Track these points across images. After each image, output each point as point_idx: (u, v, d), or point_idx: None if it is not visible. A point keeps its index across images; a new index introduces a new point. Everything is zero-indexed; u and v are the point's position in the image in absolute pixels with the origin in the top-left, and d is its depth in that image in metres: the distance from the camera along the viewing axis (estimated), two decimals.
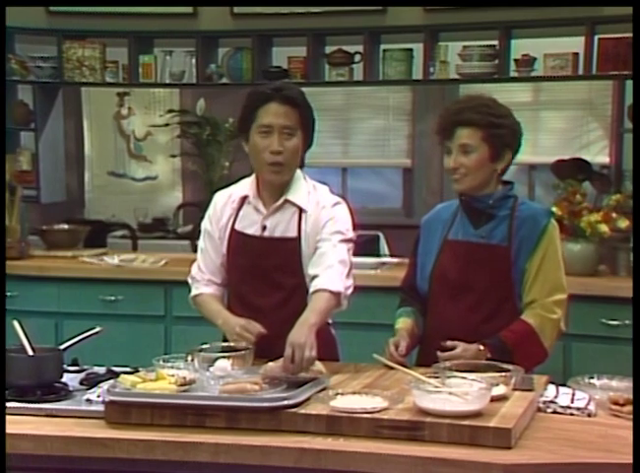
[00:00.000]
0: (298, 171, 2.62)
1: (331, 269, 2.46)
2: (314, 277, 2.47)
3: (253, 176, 2.64)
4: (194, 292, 2.68)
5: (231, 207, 2.64)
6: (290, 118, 2.52)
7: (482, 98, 2.62)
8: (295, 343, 2.23)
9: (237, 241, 2.61)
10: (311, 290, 2.45)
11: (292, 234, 2.57)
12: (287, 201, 2.58)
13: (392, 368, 2.37)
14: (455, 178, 2.57)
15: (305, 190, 2.60)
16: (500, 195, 2.60)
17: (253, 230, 2.60)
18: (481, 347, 2.45)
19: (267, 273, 2.57)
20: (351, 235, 2.58)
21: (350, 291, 2.51)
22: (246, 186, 2.65)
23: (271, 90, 2.53)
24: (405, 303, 2.72)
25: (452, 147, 2.56)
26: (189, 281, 2.70)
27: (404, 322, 2.65)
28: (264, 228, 2.59)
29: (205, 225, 2.69)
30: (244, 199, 2.63)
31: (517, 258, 2.55)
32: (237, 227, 2.62)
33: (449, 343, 2.47)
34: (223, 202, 2.67)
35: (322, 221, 2.55)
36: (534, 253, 2.55)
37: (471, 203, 2.61)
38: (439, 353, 2.45)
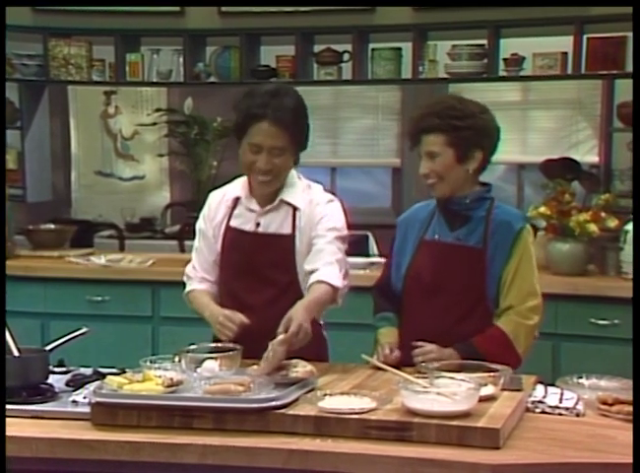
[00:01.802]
0: (292, 171, 2.64)
1: (331, 266, 2.50)
2: (313, 271, 2.50)
3: (245, 177, 2.66)
4: (187, 288, 2.71)
5: (226, 206, 2.67)
6: (281, 139, 2.52)
7: (447, 100, 2.62)
8: (292, 315, 2.29)
9: (232, 238, 2.64)
10: (310, 281, 2.48)
11: (287, 230, 2.60)
12: (282, 201, 2.61)
13: (380, 368, 2.38)
14: (430, 184, 2.59)
15: (300, 189, 2.63)
16: (476, 196, 2.61)
17: (247, 227, 2.63)
18: (449, 350, 2.46)
19: (260, 269, 2.59)
20: (345, 232, 2.61)
21: (345, 290, 2.55)
22: (239, 187, 2.67)
23: (262, 109, 2.50)
24: (381, 307, 2.72)
25: (421, 153, 2.58)
26: (184, 279, 2.73)
27: (388, 333, 2.65)
28: (258, 225, 2.62)
29: (199, 224, 2.72)
30: (237, 199, 2.66)
31: (491, 262, 2.56)
32: (232, 224, 2.65)
33: (419, 344, 2.50)
34: (217, 201, 2.70)
35: (316, 217, 2.58)
36: (509, 259, 2.55)
37: (447, 204, 2.62)
38: (413, 352, 2.48)
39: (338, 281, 2.48)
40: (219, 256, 2.66)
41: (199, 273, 2.68)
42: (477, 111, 2.58)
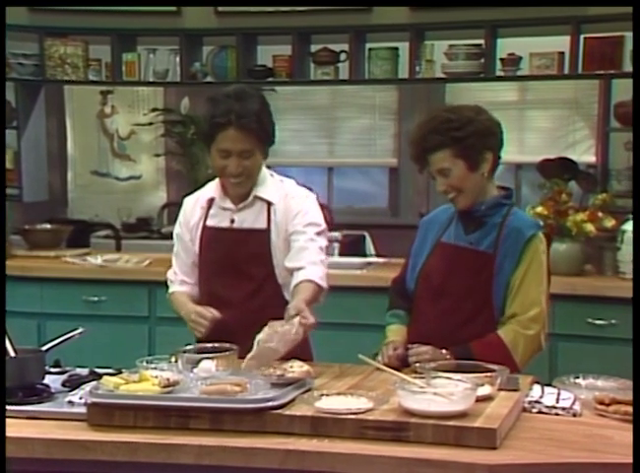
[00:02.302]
0: (264, 168, 2.68)
1: (315, 266, 2.55)
2: (298, 269, 2.54)
3: (218, 180, 2.71)
4: (169, 291, 2.79)
5: (200, 207, 2.72)
6: (249, 143, 2.57)
7: (441, 114, 2.57)
8: (300, 307, 2.35)
9: (209, 236, 2.70)
10: (297, 279, 2.52)
11: (262, 225, 2.65)
12: (256, 197, 2.66)
13: (377, 368, 2.38)
14: (451, 199, 2.59)
15: (272, 185, 2.68)
16: (493, 203, 2.60)
17: (223, 224, 2.68)
18: (444, 351, 2.46)
19: (237, 264, 2.64)
20: (323, 225, 2.65)
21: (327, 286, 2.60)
22: (212, 188, 2.73)
23: (226, 116, 2.53)
24: (394, 304, 2.74)
25: (432, 173, 2.58)
26: (169, 282, 2.80)
27: (397, 330, 2.66)
28: (232, 221, 2.67)
29: (176, 230, 2.79)
30: (212, 200, 2.71)
31: (500, 268, 2.55)
32: (208, 223, 2.71)
33: (414, 345, 2.50)
34: (191, 205, 2.76)
35: (292, 211, 2.63)
36: (517, 267, 2.55)
37: (465, 210, 2.61)
38: (408, 352, 2.50)
39: (323, 282, 2.55)
40: (197, 258, 2.72)
41: (179, 276, 2.75)
42: (472, 115, 2.56)
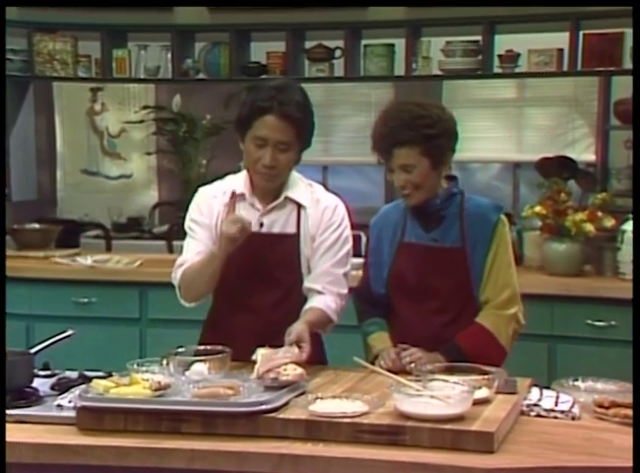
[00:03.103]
0: (293, 171, 2.63)
1: (333, 297, 2.55)
2: (314, 291, 2.54)
3: (245, 173, 2.63)
4: (179, 272, 2.56)
5: (222, 200, 2.58)
6: (287, 134, 2.50)
7: (413, 109, 2.54)
8: (300, 334, 2.35)
9: None
10: (310, 304, 2.52)
11: (292, 230, 2.60)
12: (287, 198, 2.60)
13: (372, 371, 2.38)
14: (405, 194, 2.58)
15: (302, 187, 2.63)
16: (446, 194, 2.61)
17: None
18: (436, 355, 2.47)
19: (265, 270, 2.58)
20: (350, 243, 2.63)
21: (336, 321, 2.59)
22: (238, 183, 2.62)
23: (268, 102, 2.48)
24: (367, 313, 2.71)
25: (393, 166, 2.55)
26: (173, 273, 2.59)
27: (381, 338, 2.65)
28: (261, 225, 2.59)
29: (191, 216, 2.62)
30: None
31: (472, 260, 2.57)
32: None
33: (405, 346, 2.51)
34: (210, 195, 2.63)
35: (324, 222, 2.59)
36: (488, 253, 2.57)
37: (418, 207, 2.61)
38: (401, 354, 2.50)
39: (335, 315, 2.55)
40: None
41: (195, 258, 2.55)
42: (441, 114, 2.56)
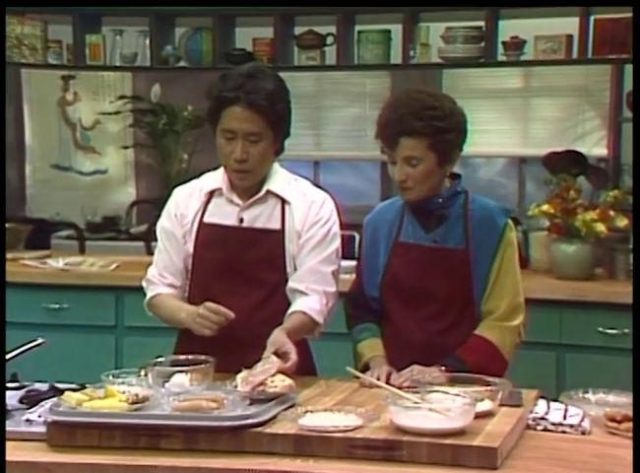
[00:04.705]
0: (276, 164, 2.64)
1: (318, 296, 2.54)
2: (298, 292, 2.54)
3: (223, 170, 2.64)
4: (150, 294, 2.66)
5: (199, 201, 2.63)
6: (257, 124, 2.50)
7: (424, 98, 2.54)
8: (276, 340, 2.33)
9: (209, 234, 2.61)
10: (294, 307, 2.52)
11: (276, 225, 2.60)
12: (269, 192, 2.60)
13: (371, 384, 2.39)
14: (402, 188, 2.57)
15: (285, 180, 2.64)
16: (449, 193, 2.62)
17: (229, 221, 2.60)
18: (442, 368, 2.46)
19: (245, 269, 2.58)
20: (339, 240, 2.63)
21: (326, 320, 2.59)
22: (216, 179, 2.64)
23: (234, 92, 2.48)
24: (358, 319, 2.71)
25: (396, 157, 2.54)
26: (144, 284, 2.69)
27: (372, 345, 2.65)
28: (241, 220, 2.60)
29: (163, 223, 2.68)
30: (213, 192, 2.62)
31: (476, 264, 2.58)
32: (208, 220, 2.62)
33: (406, 371, 2.49)
34: (186, 195, 2.67)
35: (310, 217, 2.59)
36: (494, 259, 2.58)
37: (418, 205, 2.62)
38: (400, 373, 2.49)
39: (321, 316, 2.54)
40: (190, 258, 2.63)
41: (165, 279, 2.63)
42: (453, 108, 2.57)
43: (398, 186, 2.59)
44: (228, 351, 2.37)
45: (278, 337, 2.39)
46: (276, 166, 2.65)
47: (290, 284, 2.57)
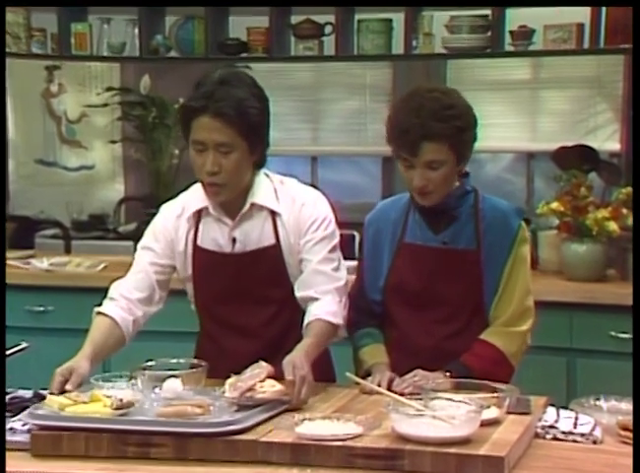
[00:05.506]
0: (261, 173, 2.64)
1: (330, 295, 2.53)
2: (309, 299, 2.54)
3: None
4: (102, 309, 2.65)
5: (188, 222, 2.64)
6: (226, 134, 2.48)
7: (440, 98, 2.52)
8: (295, 362, 2.31)
9: (206, 261, 2.63)
10: (307, 318, 2.51)
11: (270, 241, 2.60)
12: (253, 205, 2.60)
13: (371, 391, 2.39)
14: (424, 193, 2.56)
15: (270, 189, 2.62)
16: (460, 192, 2.62)
17: (222, 245, 2.61)
18: (447, 374, 2.47)
19: (250, 289, 2.60)
20: (337, 237, 2.63)
21: (344, 319, 2.58)
22: (200, 197, 2.63)
23: (203, 101, 2.47)
24: (359, 323, 2.69)
25: (416, 163, 2.52)
26: (109, 292, 2.69)
27: (375, 352, 2.65)
28: (234, 240, 2.61)
29: (145, 241, 2.68)
30: (200, 212, 2.63)
31: (487, 266, 2.59)
32: (202, 245, 2.63)
33: (409, 376, 2.49)
34: (175, 216, 2.66)
35: (305, 222, 2.59)
36: (507, 261, 2.59)
37: (429, 205, 2.61)
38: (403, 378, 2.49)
39: (339, 316, 2.53)
40: (190, 283, 2.65)
41: (129, 301, 2.61)
42: (465, 103, 2.57)
43: (417, 192, 2.57)
44: (246, 366, 2.35)
45: (294, 359, 2.35)
46: (260, 176, 2.63)
47: (299, 293, 2.58)
